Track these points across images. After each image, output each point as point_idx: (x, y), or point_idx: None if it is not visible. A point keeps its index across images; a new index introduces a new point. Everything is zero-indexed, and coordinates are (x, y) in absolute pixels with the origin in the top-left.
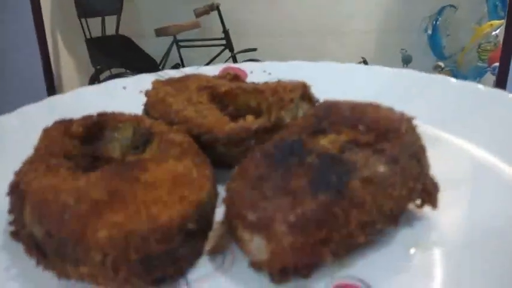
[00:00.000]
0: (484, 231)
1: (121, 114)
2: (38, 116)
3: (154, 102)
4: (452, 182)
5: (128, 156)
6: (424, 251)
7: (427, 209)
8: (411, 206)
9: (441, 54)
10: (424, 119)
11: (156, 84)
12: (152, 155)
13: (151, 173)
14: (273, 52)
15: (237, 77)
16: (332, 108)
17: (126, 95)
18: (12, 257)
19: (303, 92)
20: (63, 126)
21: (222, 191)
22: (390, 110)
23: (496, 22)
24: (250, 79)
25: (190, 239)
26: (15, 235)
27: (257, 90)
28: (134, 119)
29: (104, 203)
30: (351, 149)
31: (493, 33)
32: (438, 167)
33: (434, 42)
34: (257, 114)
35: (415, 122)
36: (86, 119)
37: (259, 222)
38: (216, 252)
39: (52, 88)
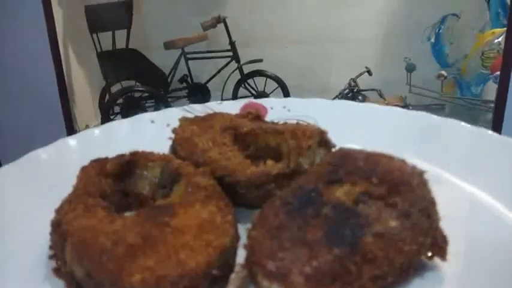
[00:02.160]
0: (489, 275)
1: (151, 154)
2: (73, 150)
3: (181, 140)
4: (454, 221)
5: (156, 194)
6: None
7: (436, 259)
8: (422, 257)
9: (444, 62)
10: (433, 160)
11: (183, 122)
12: (180, 196)
13: (180, 218)
14: (278, 62)
15: (258, 117)
16: (347, 157)
17: (154, 129)
18: None
19: (320, 139)
20: (99, 165)
21: (242, 230)
22: (402, 162)
23: (499, 30)
24: (270, 115)
25: (214, 284)
26: (57, 271)
27: (277, 131)
28: (163, 159)
29: (137, 247)
30: (365, 202)
31: (496, 40)
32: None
33: (437, 50)
34: (276, 154)
35: (426, 175)
36: (119, 157)
37: (277, 272)
38: None
39: (66, 100)
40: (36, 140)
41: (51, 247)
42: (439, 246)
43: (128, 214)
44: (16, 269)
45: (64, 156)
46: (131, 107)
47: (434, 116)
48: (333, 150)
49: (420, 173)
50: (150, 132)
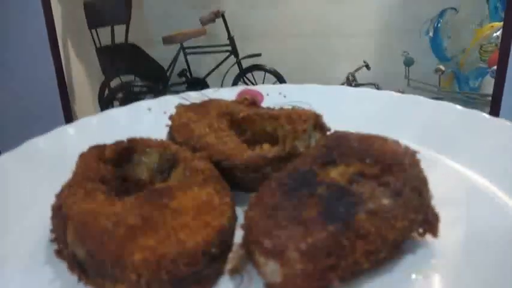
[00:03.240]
0: (480, 254)
1: (149, 140)
2: (71, 138)
3: (178, 126)
4: (449, 203)
5: (155, 180)
6: (425, 277)
7: (428, 236)
8: (413, 234)
9: (443, 56)
10: (426, 142)
11: (180, 109)
12: (178, 181)
13: (178, 200)
14: (276, 56)
15: (254, 103)
16: (341, 139)
17: (151, 116)
18: (55, 270)
19: (315, 122)
20: (97, 151)
21: (240, 213)
22: (396, 143)
23: (497, 24)
24: (266, 101)
25: (213, 261)
26: (59, 253)
27: (272, 116)
28: (160, 145)
29: (138, 228)
30: (358, 181)
31: (494, 34)
32: (435, 188)
33: (435, 44)
34: (272, 139)
35: (418, 155)
36: (117, 144)
37: (274, 249)
38: (235, 272)
39: (65, 94)
40: (36, 135)
41: (52, 231)
42: (430, 223)
43: (127, 198)
44: (18, 252)
45: (62, 144)
46: (130, 102)
47: (428, 99)
48: (328, 133)
49: (412, 154)
50: (148, 119)
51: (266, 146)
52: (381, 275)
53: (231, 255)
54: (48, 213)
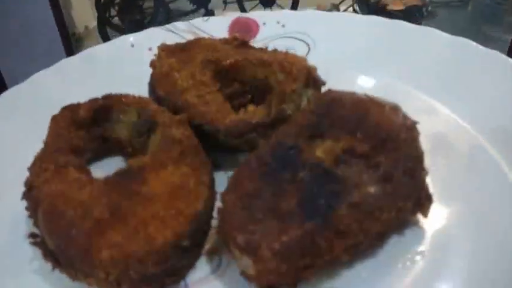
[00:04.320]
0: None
1: (126, 97)
2: (50, 82)
3: (159, 76)
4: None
5: (133, 142)
6: (410, 262)
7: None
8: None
9: None
10: (434, 83)
11: (162, 52)
12: (154, 151)
13: (150, 186)
14: None
15: (244, 43)
16: (333, 104)
17: (134, 53)
18: (35, 249)
19: (307, 79)
20: (70, 113)
21: (225, 178)
22: (394, 111)
23: None
24: (263, 31)
25: (185, 253)
26: (33, 238)
27: (264, 63)
28: (138, 103)
29: (106, 221)
30: (346, 161)
31: None
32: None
33: None
34: (264, 87)
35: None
36: (92, 102)
37: (247, 246)
38: (213, 253)
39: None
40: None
41: (27, 209)
42: (422, 204)
43: (100, 177)
44: None
45: (42, 90)
46: (128, 8)
47: (443, 33)
48: (322, 89)
49: (411, 126)
50: (131, 58)
51: (251, 109)
52: (363, 261)
53: (210, 233)
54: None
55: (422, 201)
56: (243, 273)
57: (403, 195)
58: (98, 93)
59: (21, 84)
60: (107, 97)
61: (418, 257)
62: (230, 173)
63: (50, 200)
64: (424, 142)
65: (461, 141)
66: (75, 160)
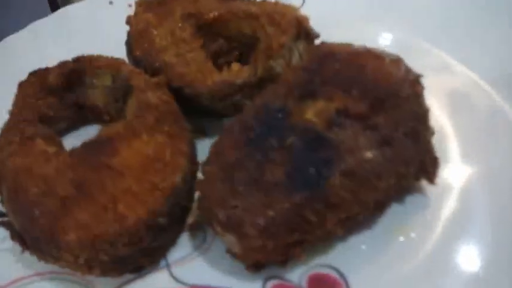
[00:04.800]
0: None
1: (97, 59)
2: (22, 46)
3: (136, 34)
4: None
5: (109, 107)
6: (405, 236)
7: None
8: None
9: None
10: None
11: (139, 7)
12: (131, 114)
13: (121, 158)
14: None
15: None
16: (327, 58)
17: (113, 11)
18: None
19: (298, 31)
20: (39, 79)
21: (208, 145)
22: (395, 63)
23: None
24: None
25: (163, 232)
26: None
27: (251, 15)
28: (112, 65)
29: (71, 198)
30: (340, 124)
31: None
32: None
33: None
34: (252, 43)
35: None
36: (62, 66)
37: (229, 223)
38: (196, 229)
39: None
40: None
41: None
42: (426, 169)
43: (63, 153)
44: None
45: (13, 54)
46: None
47: None
48: (316, 41)
49: (414, 80)
50: (110, 16)
51: (235, 67)
52: (359, 236)
53: (193, 207)
54: None
55: (426, 166)
56: (229, 251)
57: (405, 160)
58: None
59: (14, 35)
60: (78, 60)
61: (422, 228)
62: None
63: (13, 176)
64: (444, 100)
65: (481, 100)
66: (44, 130)
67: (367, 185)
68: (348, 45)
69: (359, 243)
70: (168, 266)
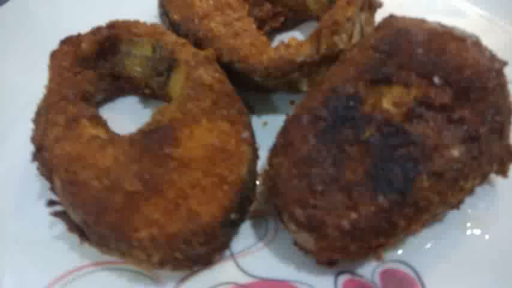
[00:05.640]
0: None
1: (135, 25)
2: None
3: None
4: None
5: (151, 82)
6: (479, 233)
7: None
8: None
9: None
10: None
11: None
12: (181, 101)
13: (184, 148)
14: None
15: None
16: (401, 38)
17: None
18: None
19: (363, 2)
20: (72, 48)
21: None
22: (478, 48)
23: None
24: None
25: (233, 226)
26: (52, 206)
27: None
28: (152, 33)
29: (139, 194)
30: (421, 116)
31: None
32: None
33: None
34: (300, 7)
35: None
36: (95, 33)
37: (308, 222)
38: (259, 216)
39: None
40: None
41: (38, 169)
42: (502, 162)
43: (119, 140)
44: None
45: (30, 11)
46: None
47: None
48: (380, 18)
49: (499, 67)
50: None
51: (293, 42)
52: (431, 230)
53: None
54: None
55: (505, 161)
56: (299, 246)
57: (490, 157)
58: (96, 11)
59: (6, 4)
60: (113, 25)
61: (490, 223)
62: (264, 118)
63: (66, 166)
64: None
65: None
66: (88, 110)
67: (455, 187)
68: (422, 21)
69: (429, 238)
70: (233, 256)
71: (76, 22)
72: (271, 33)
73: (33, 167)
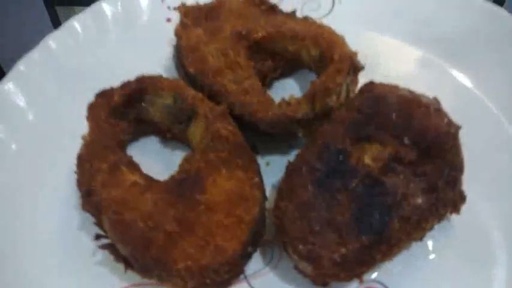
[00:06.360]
0: None
1: (159, 80)
2: (63, 48)
3: (187, 50)
4: None
5: (173, 127)
6: (441, 256)
7: None
8: None
9: None
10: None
11: (186, 19)
12: (199, 140)
13: (210, 194)
14: None
15: (272, 8)
16: (379, 104)
17: (147, 9)
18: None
19: (350, 68)
20: (106, 100)
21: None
22: (438, 113)
23: None
24: None
25: (250, 257)
26: (99, 238)
27: (297, 37)
28: (174, 87)
29: (177, 233)
30: (394, 169)
31: None
32: None
33: None
34: (294, 61)
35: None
36: (126, 87)
37: (308, 255)
38: (266, 246)
39: None
40: None
41: (83, 207)
42: (455, 204)
43: (155, 186)
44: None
45: (51, 58)
46: None
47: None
48: (362, 83)
49: (455, 133)
50: (144, 15)
51: (294, 101)
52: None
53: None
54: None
55: (457, 203)
56: (300, 271)
57: (445, 203)
58: (113, 56)
59: (32, 52)
60: (141, 80)
61: (447, 250)
62: (266, 158)
63: (114, 208)
64: None
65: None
66: (124, 156)
67: (418, 227)
68: (395, 88)
69: (399, 262)
70: (246, 278)
71: (99, 71)
72: (270, 81)
73: (72, 199)
